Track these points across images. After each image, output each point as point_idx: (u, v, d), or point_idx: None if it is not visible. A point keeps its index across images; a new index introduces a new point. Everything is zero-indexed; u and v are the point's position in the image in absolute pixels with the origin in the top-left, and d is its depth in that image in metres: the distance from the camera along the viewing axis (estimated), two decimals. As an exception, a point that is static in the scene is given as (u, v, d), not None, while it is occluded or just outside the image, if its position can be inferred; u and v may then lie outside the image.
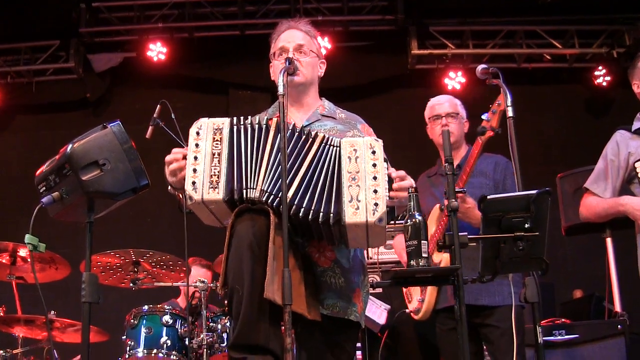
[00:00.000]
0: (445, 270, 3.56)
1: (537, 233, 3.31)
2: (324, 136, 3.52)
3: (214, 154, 3.47)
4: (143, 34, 9.61)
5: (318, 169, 3.46)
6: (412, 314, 5.02)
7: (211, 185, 3.41)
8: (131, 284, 5.56)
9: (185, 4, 9.58)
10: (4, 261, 5.78)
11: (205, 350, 5.14)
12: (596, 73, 9.54)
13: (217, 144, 3.49)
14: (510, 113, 3.97)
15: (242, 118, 3.57)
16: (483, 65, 4.24)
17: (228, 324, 5.25)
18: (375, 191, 3.35)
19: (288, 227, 3.27)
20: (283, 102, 3.45)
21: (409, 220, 3.44)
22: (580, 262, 8.15)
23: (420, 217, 3.43)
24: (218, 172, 3.43)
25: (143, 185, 3.33)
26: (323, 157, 3.48)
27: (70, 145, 3.28)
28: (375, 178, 3.38)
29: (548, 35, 9.52)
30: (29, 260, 5.76)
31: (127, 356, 5.32)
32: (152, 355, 5.28)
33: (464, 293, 3.30)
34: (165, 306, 5.52)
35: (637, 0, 9.00)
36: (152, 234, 8.90)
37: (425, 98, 9.08)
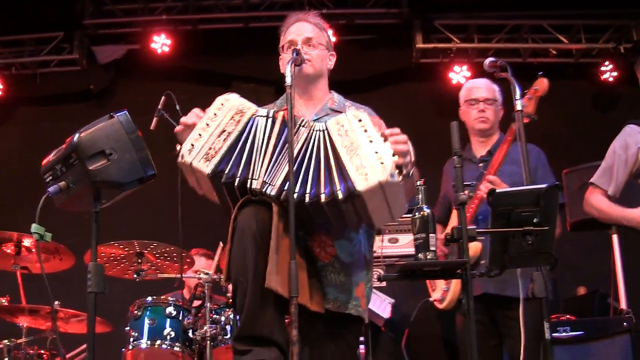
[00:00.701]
0: (453, 264, 3.54)
1: (546, 228, 3.30)
2: (309, 123, 3.53)
3: (224, 131, 3.48)
4: (147, 26, 9.58)
5: (314, 155, 3.45)
6: (435, 302, 4.98)
7: (205, 156, 3.42)
8: (135, 275, 5.54)
9: (190, -4, 9.56)
10: (8, 251, 5.77)
11: (208, 342, 5.14)
12: (602, 68, 9.47)
13: (232, 122, 3.50)
14: (519, 107, 3.96)
15: (262, 109, 3.59)
16: (491, 59, 4.23)
17: (232, 316, 5.24)
18: (376, 152, 3.33)
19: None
20: (290, 93, 3.45)
21: (417, 213, 3.43)
22: (584, 258, 8.13)
23: (428, 210, 3.42)
24: (218, 148, 3.45)
25: (150, 175, 3.33)
26: (313, 142, 3.48)
27: (77, 135, 3.27)
28: (371, 141, 3.37)
29: (554, 29, 9.46)
30: (33, 250, 5.76)
31: (130, 347, 5.32)
32: (156, 346, 5.28)
33: (472, 287, 3.30)
34: (169, 298, 5.52)
35: (645, -5, 8.98)
36: (155, 225, 8.87)
37: (430, 92, 9.08)
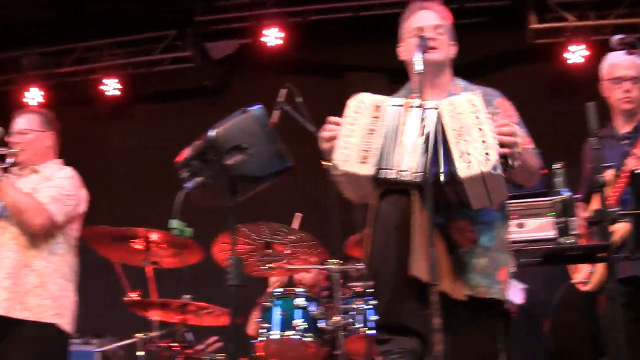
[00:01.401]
0: (595, 248, 3.47)
1: (692, 209, 3.21)
2: (424, 104, 3.50)
3: (369, 130, 3.48)
4: (258, 20, 9.66)
5: (432, 136, 3.43)
6: (579, 285, 4.89)
7: (360, 160, 3.42)
8: (265, 267, 5.58)
9: (305, -13, 9.59)
10: (138, 247, 5.90)
11: (339, 332, 5.16)
12: None
13: (374, 120, 3.50)
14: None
15: (395, 98, 3.61)
16: (619, 35, 4.11)
17: (362, 306, 5.24)
18: (484, 141, 3.32)
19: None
20: (420, 80, 3.44)
21: (556, 197, 3.37)
22: None
23: (568, 193, 3.36)
24: (370, 147, 3.44)
25: (286, 167, 3.35)
26: (429, 123, 3.45)
27: (212, 130, 3.31)
28: (480, 129, 3.35)
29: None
30: (162, 245, 5.87)
31: (261, 338, 5.37)
32: (286, 337, 5.31)
33: (617, 270, 3.23)
34: (299, 289, 5.55)
35: None
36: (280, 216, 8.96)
37: (546, 73, 8.88)
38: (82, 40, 10.31)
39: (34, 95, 10.37)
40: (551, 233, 4.20)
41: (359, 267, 5.27)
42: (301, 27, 9.65)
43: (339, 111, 3.66)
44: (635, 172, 3.30)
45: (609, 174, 4.54)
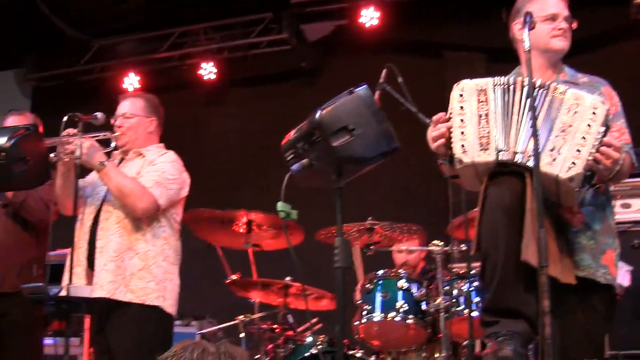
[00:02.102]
0: None
1: None
2: (553, 85, 3.46)
3: (480, 116, 3.45)
4: (354, 1, 9.59)
5: (543, 118, 3.40)
6: None
7: (481, 148, 3.39)
8: (365, 249, 5.56)
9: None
10: (240, 230, 5.93)
11: (442, 314, 5.10)
12: None
13: (482, 104, 3.46)
14: None
15: (499, 78, 3.55)
16: None
17: (464, 288, 5.18)
18: (579, 150, 3.28)
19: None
20: (530, 58, 3.36)
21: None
22: None
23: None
24: (487, 133, 3.41)
25: (393, 148, 3.30)
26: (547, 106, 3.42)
27: (318, 112, 3.28)
28: (583, 138, 3.30)
29: None
30: (263, 227, 5.89)
31: (363, 321, 5.35)
32: (389, 319, 5.28)
33: None
34: (401, 270, 5.52)
35: None
36: (377, 200, 8.93)
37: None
38: (178, 25, 10.42)
39: (131, 81, 10.54)
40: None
41: (462, 248, 5.20)
42: (398, 7, 9.52)
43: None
44: None
45: None
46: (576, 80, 3.83)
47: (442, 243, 5.31)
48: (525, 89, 3.43)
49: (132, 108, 4.96)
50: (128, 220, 4.66)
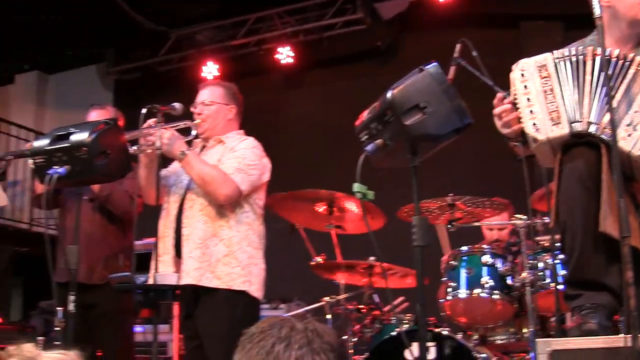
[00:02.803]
0: None
1: None
2: (630, 56, 3.38)
3: (545, 92, 3.42)
4: (427, -25, 9.53)
5: (623, 92, 3.34)
6: None
7: (553, 122, 3.36)
8: (448, 225, 5.53)
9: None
10: (321, 210, 5.96)
11: (527, 288, 5.05)
12: None
13: (545, 80, 3.43)
14: None
15: (560, 51, 3.49)
16: None
17: (549, 261, 5.12)
18: None
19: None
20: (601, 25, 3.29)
21: None
22: None
23: None
24: (556, 107, 3.38)
25: (466, 124, 3.28)
26: (630, 79, 3.35)
27: (390, 92, 3.28)
28: None
29: None
30: (345, 209, 5.91)
31: (449, 298, 5.34)
32: (475, 295, 5.25)
33: None
34: (484, 246, 5.49)
35: None
36: (460, 176, 8.88)
37: None
38: (253, 11, 10.49)
39: (210, 70, 10.66)
40: None
41: (545, 221, 5.13)
42: (472, -22, 9.46)
43: (515, 63, 3.58)
44: None
45: None
46: None
47: (524, 217, 5.24)
48: (598, 59, 3.37)
49: (212, 96, 5.01)
50: (211, 207, 4.71)
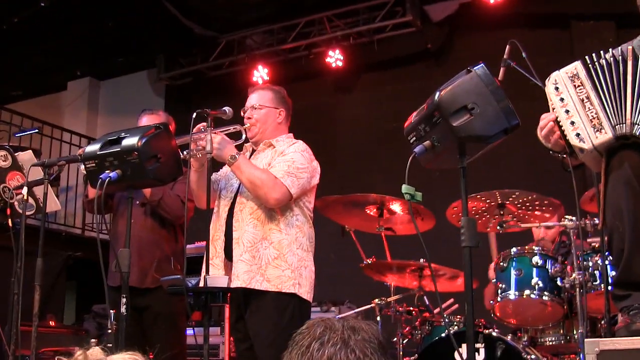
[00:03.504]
0: None
1: None
2: None
3: (582, 100, 3.41)
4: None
5: None
6: None
7: (595, 129, 3.34)
8: (498, 227, 5.51)
9: None
10: (372, 213, 5.98)
11: (578, 289, 5.02)
12: None
13: (580, 89, 3.42)
14: None
15: (589, 57, 3.48)
16: None
17: (600, 262, 5.08)
18: None
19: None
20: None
21: None
22: None
23: None
24: (595, 114, 3.37)
25: (514, 125, 3.28)
26: None
27: (437, 93, 3.29)
28: None
29: None
30: (395, 211, 5.92)
31: (499, 299, 5.33)
32: (524, 297, 5.24)
33: None
34: (534, 247, 5.47)
35: None
36: (510, 174, 8.84)
37: None
38: (303, 15, 10.54)
39: (260, 74, 10.73)
40: None
41: (595, 222, 5.09)
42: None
43: (567, 63, 3.57)
44: None
45: None
46: None
47: (573, 218, 5.20)
48: (631, 60, 3.35)
49: (261, 100, 5.04)
50: (261, 210, 4.74)
